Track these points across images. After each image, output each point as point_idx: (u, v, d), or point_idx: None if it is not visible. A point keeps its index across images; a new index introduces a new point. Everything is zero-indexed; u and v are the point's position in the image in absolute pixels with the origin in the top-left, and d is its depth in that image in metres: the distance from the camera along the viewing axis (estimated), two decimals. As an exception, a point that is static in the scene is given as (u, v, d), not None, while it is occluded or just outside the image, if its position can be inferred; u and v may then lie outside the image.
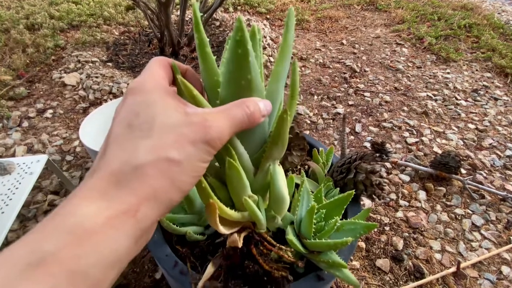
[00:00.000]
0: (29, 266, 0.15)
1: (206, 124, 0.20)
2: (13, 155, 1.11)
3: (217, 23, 2.11)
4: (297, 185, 0.55)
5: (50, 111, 1.32)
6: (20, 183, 0.75)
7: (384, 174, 1.03)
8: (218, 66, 0.25)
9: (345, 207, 0.44)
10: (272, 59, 1.69)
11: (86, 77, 1.46)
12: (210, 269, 0.37)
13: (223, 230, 0.28)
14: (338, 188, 0.54)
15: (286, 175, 0.64)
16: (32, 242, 0.16)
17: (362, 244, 0.87)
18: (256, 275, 0.37)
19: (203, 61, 0.24)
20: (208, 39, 0.23)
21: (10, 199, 0.71)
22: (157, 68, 0.23)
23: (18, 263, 0.15)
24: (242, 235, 0.32)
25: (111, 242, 0.17)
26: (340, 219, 0.47)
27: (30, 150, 1.14)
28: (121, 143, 0.20)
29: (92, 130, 0.90)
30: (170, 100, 0.21)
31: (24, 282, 0.14)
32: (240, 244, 0.30)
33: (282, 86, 0.26)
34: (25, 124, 1.26)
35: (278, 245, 0.36)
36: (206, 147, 0.20)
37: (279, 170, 0.29)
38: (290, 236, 0.41)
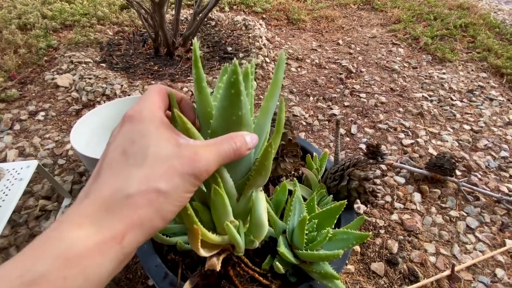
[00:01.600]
0: (21, 285, 0.16)
1: (195, 157, 0.22)
2: (5, 159, 1.09)
3: (213, 23, 2.09)
4: (290, 192, 0.55)
5: (42, 113, 1.30)
6: (9, 190, 0.73)
7: (379, 180, 1.02)
8: (208, 73, 0.26)
9: (337, 216, 0.44)
10: (267, 60, 1.68)
11: (79, 78, 1.44)
12: (187, 287, 0.37)
13: (203, 253, 0.29)
14: (331, 196, 0.54)
15: (280, 181, 0.64)
16: (24, 263, 0.17)
17: (357, 248, 0.87)
18: None
19: (199, 93, 0.26)
20: (203, 74, 0.25)
21: (0, 206, 0.70)
22: (154, 97, 0.25)
23: (11, 282, 0.16)
24: (221, 257, 0.32)
25: (97, 266, 0.18)
26: (334, 227, 0.47)
27: (22, 154, 1.12)
28: (114, 169, 0.21)
29: (84, 134, 0.88)
30: (164, 131, 0.23)
31: None
32: (218, 267, 0.31)
33: (270, 120, 0.29)
34: (17, 127, 1.24)
35: (253, 267, 0.37)
36: (192, 179, 0.22)
37: (261, 197, 0.30)
38: (282, 248, 0.40)
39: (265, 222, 0.31)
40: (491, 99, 1.51)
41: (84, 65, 1.55)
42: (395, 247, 0.87)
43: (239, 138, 0.24)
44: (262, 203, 0.30)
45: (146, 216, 0.20)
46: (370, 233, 0.39)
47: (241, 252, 0.33)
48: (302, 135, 1.27)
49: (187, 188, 0.22)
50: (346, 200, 0.42)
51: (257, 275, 0.38)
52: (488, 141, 1.26)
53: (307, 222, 0.41)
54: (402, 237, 0.90)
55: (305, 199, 0.51)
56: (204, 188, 0.30)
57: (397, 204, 0.99)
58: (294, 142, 0.54)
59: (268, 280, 0.40)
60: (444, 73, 1.70)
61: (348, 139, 1.25)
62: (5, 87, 1.43)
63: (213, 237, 0.29)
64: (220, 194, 0.27)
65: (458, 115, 1.40)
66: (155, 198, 0.20)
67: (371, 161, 0.52)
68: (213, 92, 0.29)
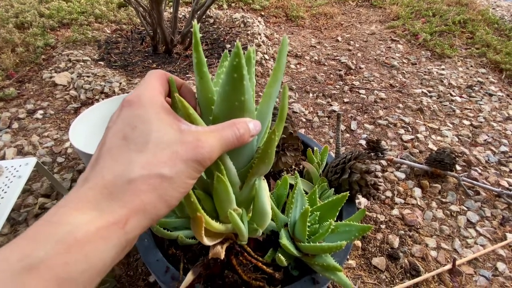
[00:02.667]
0: (21, 271, 0.15)
1: (198, 144, 0.21)
2: (3, 157, 1.09)
3: (211, 21, 2.08)
4: (291, 186, 0.54)
5: (41, 111, 1.30)
6: (8, 187, 0.73)
7: (379, 173, 1.02)
8: (207, 65, 0.26)
9: (339, 208, 0.43)
10: (266, 57, 1.67)
11: (77, 76, 1.43)
12: (189, 277, 0.37)
13: (207, 242, 0.28)
14: (333, 189, 0.54)
15: (281, 176, 0.63)
16: (24, 247, 0.17)
17: (358, 243, 0.86)
18: (234, 285, 0.38)
19: (200, 79, 0.25)
20: (204, 58, 0.25)
21: (-2, 204, 0.69)
22: (154, 82, 0.24)
23: (10, 267, 0.16)
24: (225, 246, 0.31)
25: (100, 252, 0.18)
26: (335, 220, 0.47)
27: (21, 152, 1.12)
28: (115, 155, 0.20)
29: (83, 131, 0.88)
30: (165, 116, 0.22)
31: (15, 286, 0.15)
32: (222, 256, 0.30)
33: (272, 106, 0.28)
34: (15, 125, 1.23)
35: (257, 256, 0.36)
36: (196, 165, 0.21)
37: (264, 185, 0.30)
38: (284, 240, 0.40)
39: (268, 210, 0.31)
40: (491, 95, 1.51)
41: (82, 63, 1.54)
42: (396, 241, 0.87)
43: (242, 124, 0.24)
44: (265, 191, 0.30)
45: (149, 202, 0.19)
46: (372, 225, 0.39)
47: (244, 240, 0.32)
48: (302, 131, 1.26)
49: (190, 174, 0.21)
50: (348, 193, 0.42)
51: (260, 263, 0.37)
52: (488, 136, 1.26)
53: (309, 214, 0.41)
54: (403, 232, 0.90)
55: (306, 193, 0.51)
56: (205, 177, 0.30)
57: (397, 199, 0.99)
58: (295, 136, 0.54)
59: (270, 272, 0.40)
60: (443, 69, 1.70)
61: (348, 135, 1.25)
62: (3, 86, 1.42)
63: (216, 225, 0.29)
64: (223, 182, 0.26)
65: (457, 111, 1.40)
66: (159, 184, 0.20)
67: (372, 154, 0.51)
68: (213, 80, 0.29)
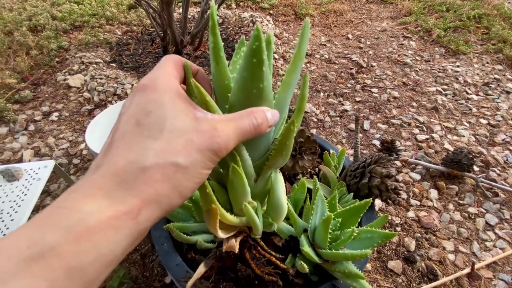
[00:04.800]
0: (28, 258, 0.15)
1: (214, 133, 0.20)
2: (21, 159, 1.11)
3: (220, 20, 2.08)
4: (308, 190, 0.54)
5: (56, 113, 1.32)
6: (28, 189, 0.75)
7: (400, 178, 1.00)
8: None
9: (361, 215, 0.43)
10: (276, 56, 1.66)
11: (90, 78, 1.45)
12: (201, 269, 0.37)
13: (221, 234, 0.28)
14: (352, 194, 0.53)
15: (296, 179, 0.63)
16: (32, 234, 0.16)
17: (373, 245, 0.85)
18: (247, 279, 0.38)
19: (216, 65, 0.24)
20: (221, 43, 0.23)
21: (19, 206, 0.71)
22: (169, 66, 0.23)
23: (17, 253, 0.15)
24: (239, 239, 0.31)
25: (111, 242, 0.17)
26: (356, 226, 0.46)
27: (37, 154, 1.14)
28: (128, 141, 0.20)
29: (98, 134, 0.89)
30: (180, 103, 0.21)
31: (22, 274, 0.14)
32: (237, 250, 0.30)
33: (290, 96, 0.27)
34: (31, 127, 1.26)
35: (270, 251, 0.36)
36: (211, 155, 0.20)
37: (280, 178, 0.29)
38: (306, 247, 0.39)
39: (284, 204, 0.30)
40: (508, 92, 1.47)
41: (95, 65, 1.56)
42: (412, 244, 0.85)
43: (260, 113, 0.22)
44: (281, 185, 0.29)
45: (163, 192, 0.19)
46: (396, 233, 0.38)
47: (258, 234, 0.32)
48: (313, 131, 1.25)
49: (206, 164, 0.20)
50: (371, 199, 0.41)
51: (273, 258, 0.37)
52: (506, 135, 1.22)
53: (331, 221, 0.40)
54: (419, 234, 0.88)
55: (325, 198, 0.50)
56: (220, 168, 0.29)
57: (413, 201, 0.98)
58: (312, 139, 0.53)
59: (293, 283, 0.40)
60: (458, 66, 1.65)
61: (361, 135, 1.23)
62: (18, 88, 1.46)
63: (231, 218, 0.28)
64: (239, 173, 0.25)
65: (474, 109, 1.36)
66: (173, 173, 0.19)
67: (392, 157, 0.50)
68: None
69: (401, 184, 0.49)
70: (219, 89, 0.25)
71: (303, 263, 0.38)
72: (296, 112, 0.26)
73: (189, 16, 2.05)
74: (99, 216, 0.17)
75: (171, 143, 0.19)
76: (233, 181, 0.26)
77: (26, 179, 0.77)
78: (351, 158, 0.92)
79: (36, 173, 0.78)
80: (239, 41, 0.30)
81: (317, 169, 0.65)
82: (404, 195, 0.99)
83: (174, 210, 0.49)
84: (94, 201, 0.17)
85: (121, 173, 0.18)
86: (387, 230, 0.38)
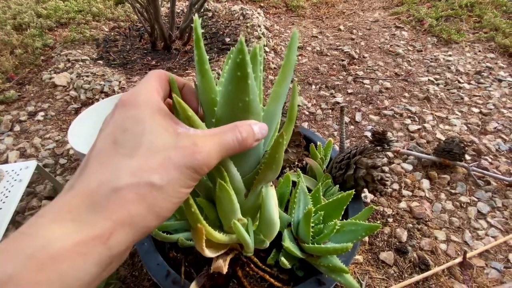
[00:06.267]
0: None
1: (194, 149, 0.19)
2: (6, 160, 1.09)
3: (210, 14, 2.04)
4: (294, 183, 0.52)
5: (42, 113, 1.29)
6: (9, 191, 0.73)
7: (386, 167, 1.00)
8: (209, 59, 0.23)
9: (345, 207, 0.42)
10: (267, 49, 1.64)
11: (77, 76, 1.42)
12: None
13: (209, 253, 0.27)
14: (338, 185, 0.52)
15: (283, 173, 0.62)
16: None
17: (365, 238, 0.85)
18: None
19: (201, 78, 0.23)
20: (206, 55, 0.23)
21: (0, 208, 0.69)
22: (153, 81, 0.22)
23: None
24: (228, 258, 0.30)
25: (78, 270, 0.16)
26: (341, 219, 0.45)
27: (23, 155, 1.11)
28: (103, 160, 0.19)
29: (82, 133, 0.87)
30: (161, 118, 0.20)
31: None
32: (225, 270, 0.29)
33: (281, 107, 0.26)
34: (17, 128, 1.23)
35: (264, 267, 0.35)
36: (191, 173, 0.19)
37: (272, 193, 0.28)
38: (287, 242, 0.38)
39: (276, 220, 0.29)
40: (500, 80, 1.46)
41: (81, 63, 1.52)
42: (404, 235, 0.85)
43: (245, 127, 0.21)
44: (272, 200, 0.28)
45: (136, 213, 0.17)
46: (380, 224, 0.37)
47: (250, 252, 0.31)
48: (305, 125, 1.24)
49: (184, 182, 0.19)
50: (353, 190, 0.39)
51: (267, 276, 0.36)
52: (498, 123, 1.22)
53: (313, 214, 0.39)
54: (411, 225, 0.88)
55: (310, 190, 0.49)
56: (209, 183, 0.28)
57: (405, 192, 0.97)
58: (296, 131, 0.52)
59: (278, 279, 0.39)
60: (450, 55, 1.64)
61: (352, 127, 1.22)
62: (3, 88, 1.42)
63: (219, 236, 0.27)
64: (226, 190, 0.24)
65: (466, 98, 1.35)
66: (148, 193, 0.18)
67: (378, 148, 0.49)
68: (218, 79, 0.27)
69: (388, 175, 0.48)
70: (205, 103, 0.25)
71: (284, 259, 0.37)
72: (286, 124, 0.25)
73: (178, 10, 2.01)
74: (64, 242, 0.16)
75: (147, 161, 0.18)
76: (220, 197, 0.26)
77: (7, 181, 0.75)
78: (342, 150, 0.91)
79: (18, 174, 0.76)
80: (230, 51, 0.28)
81: (304, 162, 0.64)
82: (395, 186, 0.98)
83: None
84: (61, 226, 0.16)
85: (92, 195, 0.17)
86: (378, 222, 0.37)
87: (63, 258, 0.15)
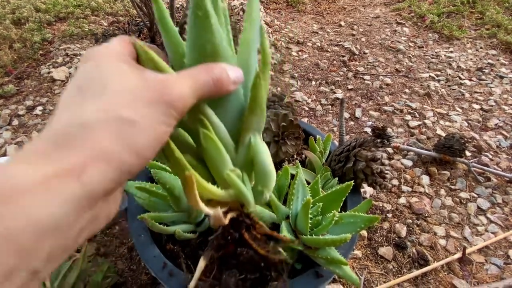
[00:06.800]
0: None
1: (166, 84, 0.19)
2: (4, 154, 1.08)
3: (210, 9, 2.03)
4: (293, 176, 0.52)
5: (40, 107, 1.28)
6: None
7: (386, 161, 0.99)
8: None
9: (343, 199, 0.41)
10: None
11: (75, 71, 1.41)
12: (201, 264, 0.33)
13: (204, 208, 0.24)
14: (337, 178, 0.51)
15: (281, 166, 0.61)
16: None
17: (364, 233, 0.84)
18: (251, 261, 0.33)
19: (165, 33, 0.22)
20: (166, 8, 0.22)
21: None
22: (115, 42, 0.22)
23: None
24: (229, 216, 0.28)
25: (46, 206, 0.14)
26: (339, 211, 0.44)
27: (21, 149, 1.11)
28: (68, 105, 0.18)
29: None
30: (126, 65, 0.19)
31: None
32: (226, 221, 0.27)
33: (255, 56, 0.25)
34: (15, 122, 1.22)
35: (268, 228, 0.33)
36: (165, 108, 0.18)
37: (262, 143, 0.26)
38: (285, 233, 0.38)
39: (271, 169, 0.27)
40: (501, 77, 1.45)
41: (80, 57, 1.51)
42: (403, 231, 0.85)
43: (218, 67, 0.21)
44: (263, 149, 0.26)
45: (111, 149, 0.16)
46: (379, 216, 0.36)
47: (251, 207, 0.29)
48: (305, 120, 1.23)
49: (159, 118, 0.18)
50: (352, 181, 0.39)
51: (275, 233, 0.33)
52: (499, 120, 1.21)
53: (311, 205, 0.39)
54: (410, 220, 0.88)
55: (308, 183, 0.49)
56: (195, 144, 0.26)
57: (404, 188, 0.96)
58: (295, 124, 0.51)
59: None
60: (451, 52, 1.63)
61: (352, 123, 1.21)
62: (2, 83, 1.41)
63: (214, 189, 0.25)
64: (211, 139, 0.23)
65: (467, 95, 1.34)
66: (120, 128, 0.17)
67: (378, 140, 0.49)
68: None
69: (387, 168, 0.48)
70: (174, 59, 0.24)
71: (281, 250, 0.36)
72: (261, 66, 0.24)
73: (177, 5, 1.99)
74: (32, 177, 0.14)
75: (115, 99, 0.17)
76: (207, 149, 0.24)
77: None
78: (341, 145, 0.90)
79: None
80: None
81: (303, 155, 0.63)
82: (395, 182, 0.98)
83: (149, 200, 0.47)
84: (29, 164, 0.15)
85: (60, 133, 0.16)
86: (370, 214, 0.37)
87: (30, 192, 0.14)
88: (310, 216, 0.38)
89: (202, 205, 0.24)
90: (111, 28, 1.82)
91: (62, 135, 0.16)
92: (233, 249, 0.33)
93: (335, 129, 1.18)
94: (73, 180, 0.15)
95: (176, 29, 0.23)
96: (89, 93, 0.18)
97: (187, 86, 0.19)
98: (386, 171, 0.48)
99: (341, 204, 0.42)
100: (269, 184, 0.28)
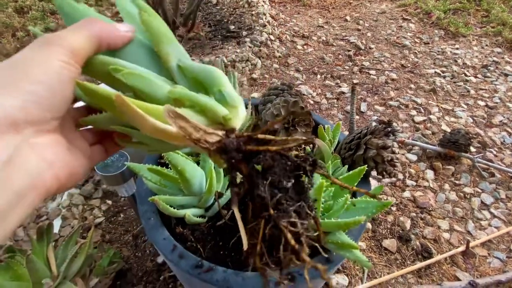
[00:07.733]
0: None
1: (59, 37, 0.19)
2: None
3: (214, 1, 2.01)
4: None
5: (44, 96, 1.28)
6: None
7: (397, 150, 0.99)
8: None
9: (356, 184, 0.41)
10: (272, 37, 1.62)
11: (79, 60, 1.40)
12: (237, 213, 0.20)
13: (154, 121, 0.17)
14: (347, 166, 0.51)
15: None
16: None
17: (368, 225, 0.85)
18: (274, 160, 0.20)
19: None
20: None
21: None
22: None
23: None
24: (214, 137, 0.20)
25: None
26: (350, 198, 0.44)
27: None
28: None
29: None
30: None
31: None
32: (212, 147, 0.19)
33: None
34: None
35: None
36: (63, 50, 0.18)
37: (192, 62, 0.22)
38: (297, 216, 0.37)
39: (212, 68, 0.21)
40: (506, 75, 1.44)
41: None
42: (407, 224, 0.85)
43: (107, 22, 0.21)
44: (196, 63, 0.22)
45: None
46: (391, 201, 0.36)
47: (229, 118, 0.20)
48: (310, 113, 1.23)
49: (58, 57, 0.18)
50: (365, 166, 0.39)
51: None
52: (504, 117, 1.21)
53: (323, 190, 0.39)
54: (414, 214, 0.88)
55: (318, 170, 0.48)
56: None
57: (409, 182, 0.97)
58: (306, 111, 0.51)
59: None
60: (457, 49, 1.62)
61: (358, 117, 1.21)
62: (5, 70, 1.40)
63: (152, 107, 0.18)
64: (130, 73, 0.19)
65: (472, 91, 1.34)
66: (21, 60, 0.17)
67: (389, 128, 0.48)
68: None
69: (398, 156, 0.47)
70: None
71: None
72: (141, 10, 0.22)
73: (182, -3, 1.97)
74: None
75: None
76: (135, 86, 0.20)
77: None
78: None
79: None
80: None
81: (312, 144, 0.63)
82: (400, 176, 0.98)
83: (160, 182, 0.47)
84: None
85: None
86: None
87: None
88: (321, 200, 0.38)
89: (148, 117, 0.17)
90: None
91: None
92: (251, 180, 0.21)
93: (340, 122, 1.17)
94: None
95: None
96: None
97: (77, 30, 0.19)
98: (396, 159, 0.48)
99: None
100: (218, 82, 0.21)
